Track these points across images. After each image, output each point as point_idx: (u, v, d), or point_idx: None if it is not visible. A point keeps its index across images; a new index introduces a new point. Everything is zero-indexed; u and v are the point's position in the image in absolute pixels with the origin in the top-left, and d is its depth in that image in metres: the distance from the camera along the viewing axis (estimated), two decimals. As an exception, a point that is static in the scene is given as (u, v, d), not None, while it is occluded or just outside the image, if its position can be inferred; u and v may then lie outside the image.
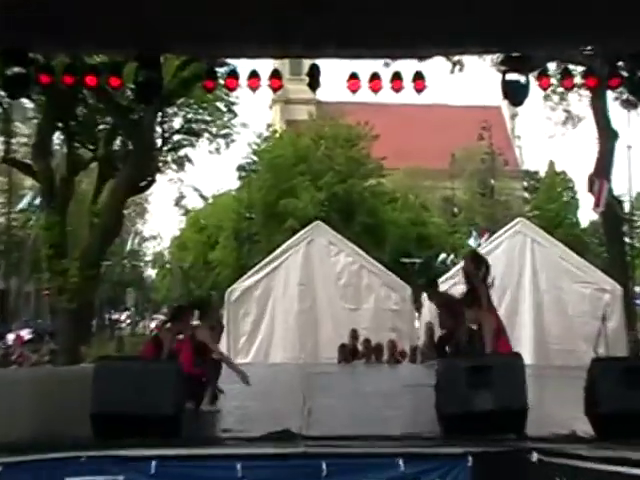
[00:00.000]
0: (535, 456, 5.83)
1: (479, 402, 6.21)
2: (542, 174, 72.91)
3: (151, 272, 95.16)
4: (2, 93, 21.36)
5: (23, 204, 36.26)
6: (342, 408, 8.66)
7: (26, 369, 23.40)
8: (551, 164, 68.83)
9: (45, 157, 27.87)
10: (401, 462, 5.95)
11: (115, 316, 60.85)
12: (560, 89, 25.62)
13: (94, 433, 6.17)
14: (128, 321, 61.67)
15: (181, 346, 9.21)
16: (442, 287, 17.68)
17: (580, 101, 31.21)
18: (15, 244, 43.73)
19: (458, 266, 19.74)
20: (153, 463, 5.87)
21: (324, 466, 5.93)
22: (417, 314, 18.86)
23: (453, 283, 17.63)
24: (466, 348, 8.65)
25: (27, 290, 51.62)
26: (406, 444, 6.15)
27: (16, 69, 10.03)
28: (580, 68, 12.59)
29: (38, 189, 31.02)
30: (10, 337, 30.50)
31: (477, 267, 9.28)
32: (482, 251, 18.23)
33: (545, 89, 11.10)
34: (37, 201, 31.65)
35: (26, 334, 34.56)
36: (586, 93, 26.44)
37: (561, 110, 33.22)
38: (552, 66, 14.34)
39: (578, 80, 11.44)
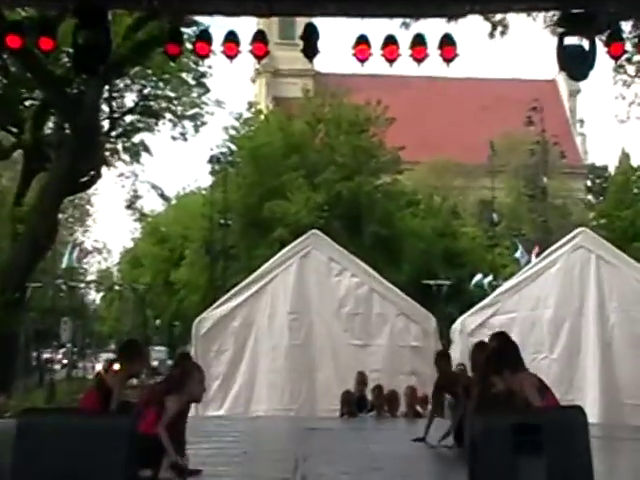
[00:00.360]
0: None
1: (528, 473, 6.18)
2: (612, 170, 72.90)
3: (94, 296, 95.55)
4: None
5: None
6: (345, 476, 8.65)
7: None
8: (624, 157, 68.80)
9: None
10: None
11: (46, 355, 60.73)
12: (637, 57, 25.65)
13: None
14: (63, 362, 61.61)
15: (147, 399, 9.18)
16: (477, 319, 17.90)
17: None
18: None
19: (498, 290, 19.77)
20: None
21: None
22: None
23: (491, 313, 17.71)
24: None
25: None
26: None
27: None
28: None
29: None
30: None
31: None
32: (531, 271, 18.35)
33: (617, 57, 11.12)
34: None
35: None
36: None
37: (639, 85, 33.24)
38: (626, 27, 14.37)
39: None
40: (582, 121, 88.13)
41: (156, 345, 66.89)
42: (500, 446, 6.23)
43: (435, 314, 19.52)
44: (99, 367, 73.98)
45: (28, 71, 28.06)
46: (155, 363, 54.89)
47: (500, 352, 9.90)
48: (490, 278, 52.56)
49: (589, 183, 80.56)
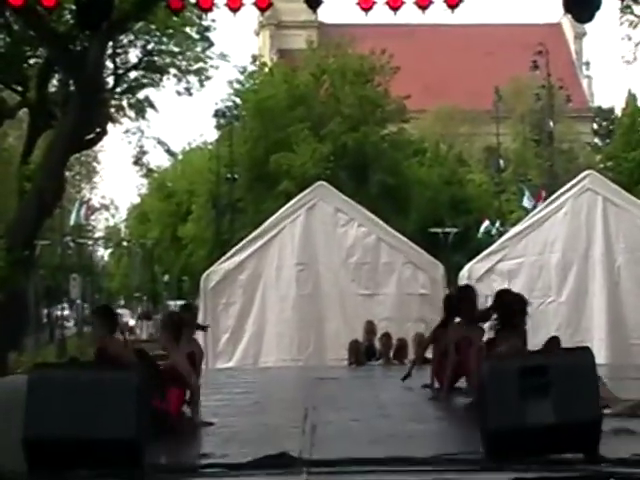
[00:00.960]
0: (613, 484, 5.84)
1: (535, 413, 6.22)
2: (618, 112, 72.49)
3: (103, 253, 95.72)
4: None
5: None
6: (355, 423, 8.70)
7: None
8: (631, 99, 68.34)
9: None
10: (433, 493, 5.98)
11: (56, 312, 61.03)
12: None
13: (28, 464, 6.18)
14: (73, 318, 61.94)
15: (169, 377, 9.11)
16: (485, 265, 17.90)
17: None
18: None
19: (505, 236, 19.77)
20: (108, 501, 5.91)
21: (333, 499, 5.96)
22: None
23: (499, 259, 17.72)
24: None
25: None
26: (438, 469, 6.15)
27: None
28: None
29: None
30: None
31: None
32: (538, 215, 18.34)
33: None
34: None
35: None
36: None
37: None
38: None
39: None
40: (588, 64, 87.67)
41: (172, 300, 67.02)
42: (508, 388, 6.27)
43: (442, 262, 19.54)
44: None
45: (31, 29, 27.91)
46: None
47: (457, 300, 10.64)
48: (498, 225, 52.58)
49: (595, 126, 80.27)
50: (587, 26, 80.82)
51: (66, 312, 57.42)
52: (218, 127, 59.73)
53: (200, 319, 18.89)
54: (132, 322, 67.99)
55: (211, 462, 6.50)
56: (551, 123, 54.04)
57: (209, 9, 12.00)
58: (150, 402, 6.92)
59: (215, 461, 6.53)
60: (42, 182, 27.40)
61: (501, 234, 32.48)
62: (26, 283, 26.08)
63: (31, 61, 32.35)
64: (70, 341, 41.89)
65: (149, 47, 37.29)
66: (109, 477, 6.04)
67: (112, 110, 36.64)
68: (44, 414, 6.16)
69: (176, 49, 38.09)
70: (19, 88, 32.15)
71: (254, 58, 64.85)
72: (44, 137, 31.84)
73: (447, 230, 54.89)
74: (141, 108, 40.24)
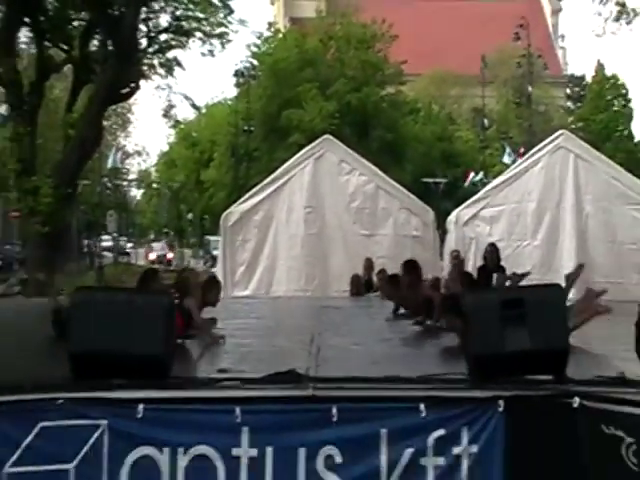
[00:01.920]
0: (577, 401, 5.83)
1: (513, 340, 6.22)
2: (589, 79, 72.04)
3: (135, 193, 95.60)
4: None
5: None
6: (355, 346, 8.69)
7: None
8: (600, 67, 67.95)
9: (10, 57, 27.65)
10: (422, 407, 5.97)
11: (95, 243, 60.97)
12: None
13: (74, 374, 6.21)
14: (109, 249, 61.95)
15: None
16: (470, 211, 17.86)
17: (637, -9, 30.59)
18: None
19: (488, 186, 19.70)
20: (140, 406, 5.92)
21: (334, 411, 5.96)
22: (441, 241, 18.88)
23: (482, 206, 17.67)
24: None
25: (-8, 212, 51.78)
26: (428, 387, 6.17)
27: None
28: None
29: (3, 95, 30.85)
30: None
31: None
32: (517, 169, 18.26)
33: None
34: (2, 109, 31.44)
35: (-7, 262, 34.85)
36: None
37: (613, 3, 32.53)
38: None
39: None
40: (563, 36, 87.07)
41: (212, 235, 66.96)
42: (489, 318, 6.28)
43: (433, 208, 19.44)
44: (141, 252, 74.49)
45: (75, -6, 27.74)
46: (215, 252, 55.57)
47: None
48: (482, 176, 52.41)
49: (569, 91, 79.83)
50: (563, 3, 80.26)
51: (104, 244, 57.38)
52: (237, 85, 59.52)
53: (220, 253, 19.11)
54: (170, 255, 67.40)
55: (229, 376, 6.52)
56: (530, 88, 53.73)
57: (232, -20, 11.87)
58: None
59: (232, 375, 6.55)
60: (83, 130, 27.32)
61: (484, 184, 32.30)
62: (70, 217, 26.08)
63: (75, 23, 32.05)
64: (107, 269, 41.92)
65: (178, 13, 36.91)
66: (143, 386, 6.08)
67: (144, 68, 36.30)
68: (86, 331, 6.18)
69: (201, 15, 37.70)
70: (65, 47, 31.90)
71: (269, 25, 64.35)
72: (85, 90, 31.62)
73: (438, 180, 54.76)
74: (170, 67, 39.83)
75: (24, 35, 31.02)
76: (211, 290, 9.80)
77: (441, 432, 5.99)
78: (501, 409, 5.98)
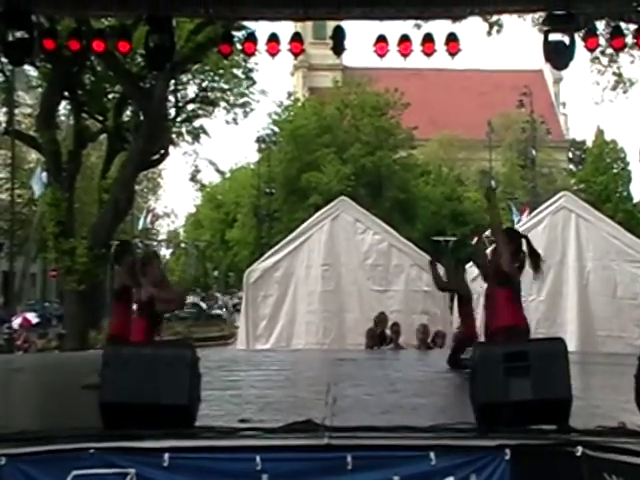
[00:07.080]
0: (580, 450, 5.79)
1: (517, 391, 6.19)
2: (589, 144, 72.15)
3: (165, 252, 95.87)
4: (3, 59, 21.49)
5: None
6: (369, 397, 8.65)
7: (32, 355, 23.65)
8: (599, 133, 68.09)
9: (50, 128, 28.06)
10: (432, 455, 5.93)
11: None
12: (609, 50, 25.19)
13: (104, 423, 6.22)
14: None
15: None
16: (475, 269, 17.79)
17: (632, 63, 30.69)
18: (20, 222, 43.96)
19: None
20: (166, 455, 5.91)
21: (349, 459, 5.92)
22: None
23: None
24: None
25: (33, 271, 52.03)
26: (438, 436, 6.13)
27: (18, 33, 10.06)
28: (632, 26, 12.33)
29: (43, 163, 31.21)
30: (15, 321, 30.78)
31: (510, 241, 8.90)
32: (522, 228, 18.21)
33: (592, 50, 11.00)
34: (43, 176, 31.75)
35: (32, 318, 34.91)
36: (639, 54, 26.01)
37: (610, 73, 32.68)
38: (600, 25, 14.12)
39: (630, 40, 11.26)
40: (564, 103, 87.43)
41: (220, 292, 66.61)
42: (495, 370, 6.26)
43: (443, 265, 19.41)
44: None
45: (110, 69, 28.15)
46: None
47: None
48: (489, 234, 52.27)
49: (570, 155, 79.89)
50: (564, 73, 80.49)
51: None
52: (259, 150, 59.84)
53: (242, 308, 19.09)
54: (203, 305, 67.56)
55: (250, 426, 6.50)
56: (534, 151, 53.88)
57: (252, 54, 12.01)
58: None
59: (253, 425, 6.54)
60: (117, 193, 27.56)
61: (492, 243, 32.19)
62: (104, 275, 26.17)
63: (110, 95, 32.58)
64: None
65: (204, 84, 37.50)
66: (169, 435, 6.07)
67: (173, 135, 36.79)
68: (116, 383, 6.20)
69: (225, 86, 38.27)
70: (100, 117, 32.40)
71: (289, 94, 64.99)
72: (119, 157, 32.02)
73: (447, 238, 54.59)
74: (196, 134, 40.37)
75: (63, 107, 31.52)
76: (152, 264, 9.36)
77: (450, 479, 5.95)
78: (508, 457, 5.92)
